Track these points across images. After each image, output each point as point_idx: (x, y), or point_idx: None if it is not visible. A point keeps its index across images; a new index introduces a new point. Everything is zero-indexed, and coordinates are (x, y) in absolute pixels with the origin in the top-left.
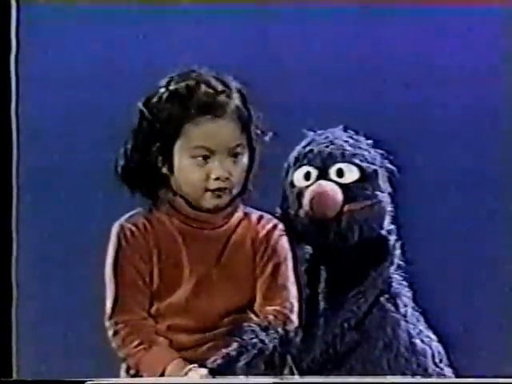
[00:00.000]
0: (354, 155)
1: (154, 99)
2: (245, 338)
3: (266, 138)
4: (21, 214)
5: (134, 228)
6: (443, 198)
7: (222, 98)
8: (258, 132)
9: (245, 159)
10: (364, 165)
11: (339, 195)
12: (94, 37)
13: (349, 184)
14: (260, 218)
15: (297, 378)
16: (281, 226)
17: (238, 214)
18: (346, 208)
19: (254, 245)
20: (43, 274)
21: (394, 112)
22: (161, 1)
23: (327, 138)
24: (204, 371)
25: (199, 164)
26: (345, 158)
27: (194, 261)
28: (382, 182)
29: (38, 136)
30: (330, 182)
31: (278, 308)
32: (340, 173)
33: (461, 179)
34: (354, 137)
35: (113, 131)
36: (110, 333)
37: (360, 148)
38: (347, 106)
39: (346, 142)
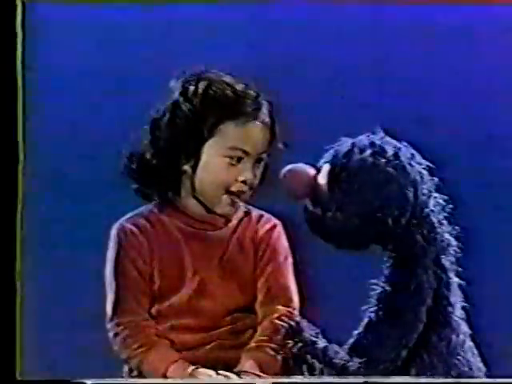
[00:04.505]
0: (337, 157)
1: (191, 92)
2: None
3: (280, 146)
4: (24, 214)
5: (134, 228)
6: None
7: (259, 101)
8: (277, 141)
9: (262, 166)
10: (343, 173)
11: (303, 181)
12: (98, 37)
13: (321, 183)
14: (260, 217)
15: (298, 378)
16: (280, 226)
17: (239, 214)
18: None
19: (253, 244)
20: (46, 274)
21: (395, 113)
22: (162, 1)
23: (350, 140)
24: (210, 372)
25: (231, 164)
26: (329, 158)
27: (197, 261)
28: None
29: (42, 136)
30: (309, 168)
31: (282, 308)
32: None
33: None
34: (374, 142)
35: (116, 131)
36: (111, 335)
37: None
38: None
39: (353, 146)
